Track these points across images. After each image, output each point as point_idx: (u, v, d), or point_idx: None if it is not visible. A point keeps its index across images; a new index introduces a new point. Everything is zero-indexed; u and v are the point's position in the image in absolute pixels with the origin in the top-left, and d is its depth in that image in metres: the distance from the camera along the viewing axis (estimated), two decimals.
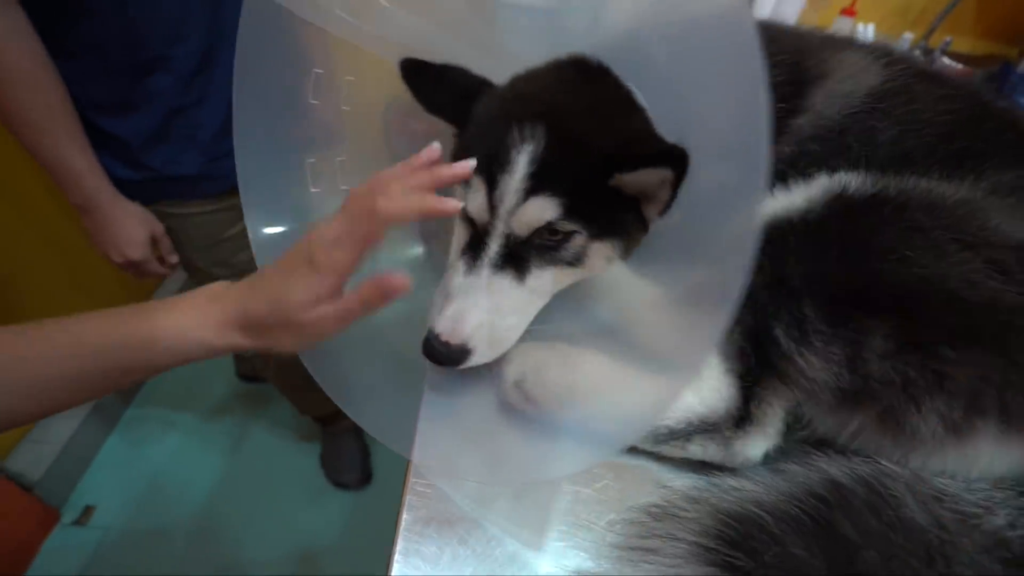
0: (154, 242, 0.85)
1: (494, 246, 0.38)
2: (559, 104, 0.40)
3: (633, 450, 0.39)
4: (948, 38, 1.37)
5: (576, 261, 0.40)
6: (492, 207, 0.38)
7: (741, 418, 0.37)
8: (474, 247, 0.39)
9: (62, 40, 0.66)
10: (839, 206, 0.38)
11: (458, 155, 0.42)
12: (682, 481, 0.37)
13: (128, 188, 0.79)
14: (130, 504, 1.34)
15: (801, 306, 0.35)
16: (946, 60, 1.37)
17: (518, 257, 0.39)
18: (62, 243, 1.28)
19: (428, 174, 0.35)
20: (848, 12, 1.34)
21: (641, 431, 0.34)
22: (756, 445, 0.37)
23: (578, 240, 0.39)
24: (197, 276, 1.00)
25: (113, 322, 0.36)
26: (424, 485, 0.36)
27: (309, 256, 0.33)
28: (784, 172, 0.45)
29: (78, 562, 1.22)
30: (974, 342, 0.32)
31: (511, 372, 0.39)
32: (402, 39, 0.46)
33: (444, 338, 0.37)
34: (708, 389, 0.38)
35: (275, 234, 0.49)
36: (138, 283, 1.56)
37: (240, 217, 0.47)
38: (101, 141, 0.74)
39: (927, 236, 0.35)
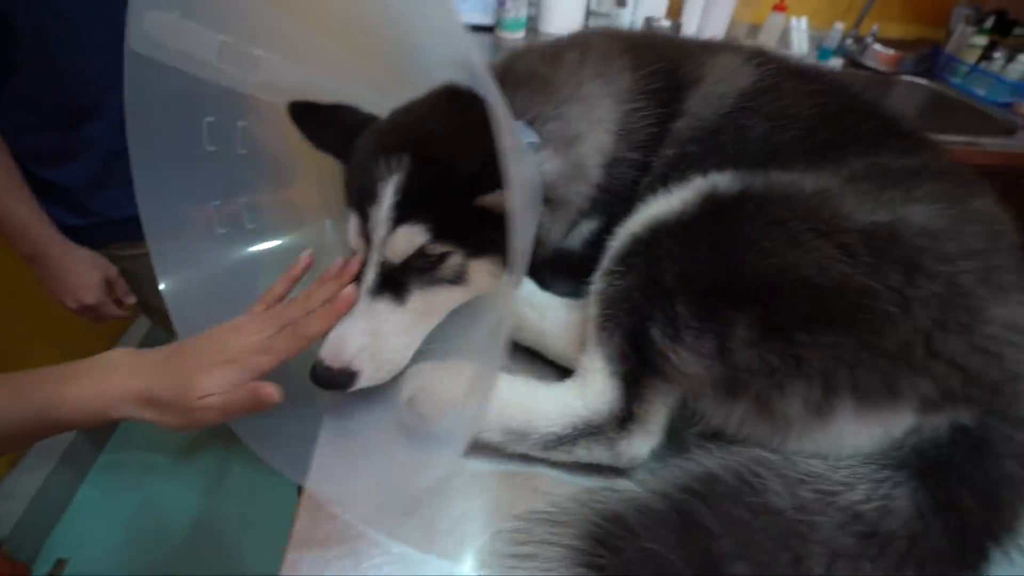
0: (109, 285, 0.85)
1: (371, 273, 0.40)
2: (425, 132, 0.42)
3: (525, 458, 0.39)
4: (876, 25, 1.41)
5: (458, 279, 0.41)
6: (367, 238, 0.40)
7: (624, 419, 0.38)
8: (360, 276, 0.41)
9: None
10: (710, 205, 0.39)
11: (345, 190, 0.44)
12: (569, 487, 0.38)
13: (77, 234, 0.80)
14: (105, 554, 1.31)
15: (674, 304, 0.36)
16: (877, 47, 1.41)
17: (397, 281, 0.41)
18: (24, 292, 1.28)
19: (338, 283, 0.40)
20: (779, 7, 1.38)
21: (470, 430, 0.35)
22: (640, 444, 0.38)
23: (454, 260, 0.40)
24: (155, 316, 1.00)
25: (19, 390, 0.38)
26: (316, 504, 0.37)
27: (232, 357, 0.36)
28: (666, 175, 0.47)
29: None
30: (826, 325, 0.33)
31: (404, 392, 0.40)
32: (291, 84, 0.48)
33: (326, 363, 0.38)
34: (592, 392, 0.39)
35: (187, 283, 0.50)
36: (100, 328, 1.56)
37: None
38: (45, 190, 0.75)
39: (784, 227, 0.36)
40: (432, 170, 0.39)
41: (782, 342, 0.34)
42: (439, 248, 0.40)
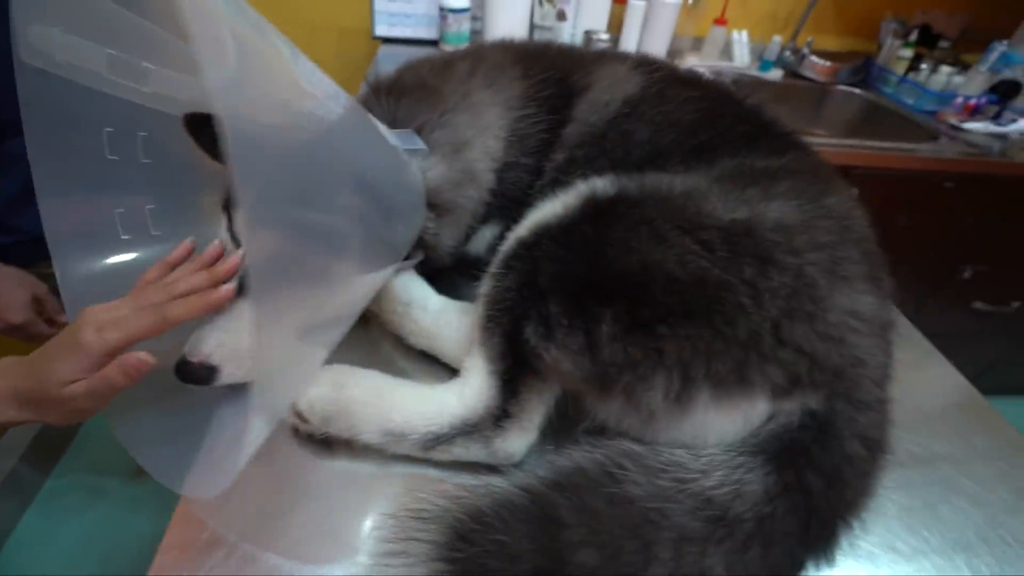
0: (39, 304, 0.83)
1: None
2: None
3: (408, 458, 0.40)
4: (810, 38, 1.47)
5: None
6: (234, 237, 0.41)
7: (499, 416, 0.39)
8: None
9: None
10: (588, 208, 0.41)
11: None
12: (446, 485, 0.38)
13: (5, 252, 0.78)
14: None
15: (547, 304, 0.37)
16: (814, 58, 1.47)
17: None
18: None
19: (211, 274, 0.39)
20: (720, 21, 1.43)
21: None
22: (516, 441, 0.39)
23: None
24: None
25: None
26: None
27: (76, 335, 0.34)
28: (556, 179, 0.49)
29: None
30: (685, 317, 0.35)
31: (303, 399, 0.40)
32: (188, 97, 0.48)
33: (186, 356, 0.38)
34: (470, 391, 0.39)
35: (88, 283, 0.49)
36: None
37: None
38: None
39: (651, 226, 0.37)
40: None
41: (645, 335, 0.35)
42: None
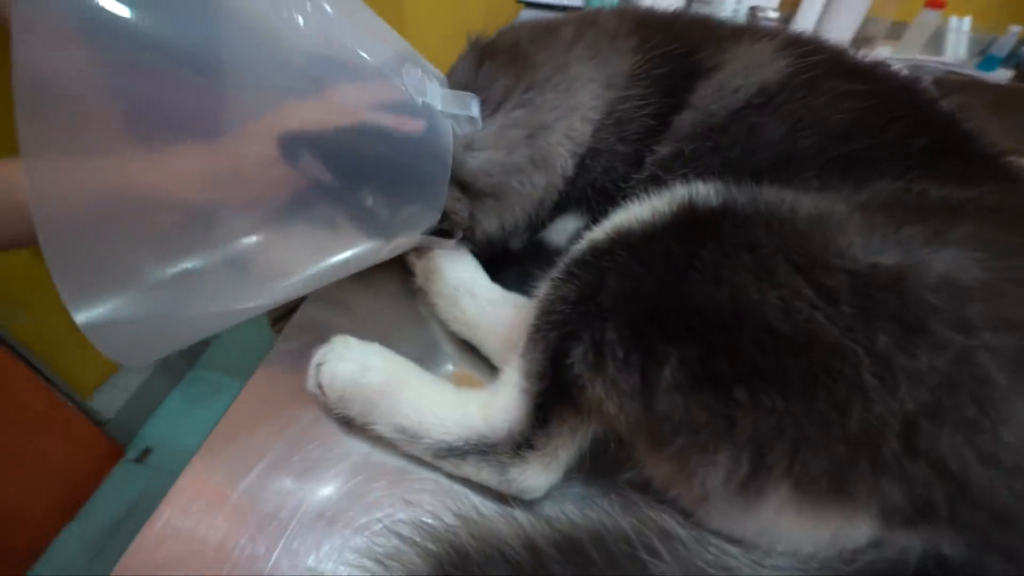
0: None
1: None
2: None
3: (420, 460, 0.36)
4: None
5: None
6: None
7: (520, 444, 0.33)
8: None
9: None
10: (681, 217, 0.33)
11: None
12: (451, 503, 0.34)
13: None
14: (180, 452, 1.52)
15: (604, 327, 0.31)
16: None
17: None
18: None
19: None
20: (935, 3, 1.15)
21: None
22: (534, 476, 0.33)
23: None
24: None
25: None
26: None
27: None
28: (657, 176, 0.40)
29: (134, 493, 1.42)
30: (776, 384, 0.26)
31: (320, 352, 0.39)
32: None
33: None
34: (496, 406, 0.35)
35: None
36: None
37: None
38: None
39: (756, 254, 0.29)
40: None
41: (716, 394, 0.27)
42: None
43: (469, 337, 0.44)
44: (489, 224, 0.46)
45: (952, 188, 0.32)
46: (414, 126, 0.38)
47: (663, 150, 0.42)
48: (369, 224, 0.39)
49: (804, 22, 1.10)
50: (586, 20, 0.47)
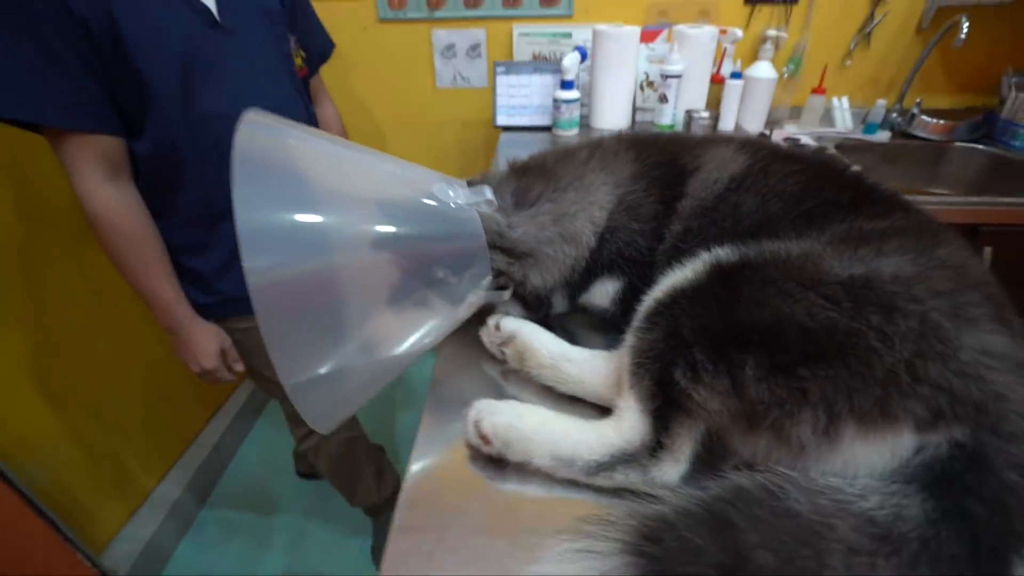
0: (224, 354, 1.03)
1: None
2: None
3: (573, 483, 0.47)
4: (919, 99, 1.47)
5: None
6: None
7: (654, 447, 0.45)
8: None
9: (159, 207, 0.89)
10: (715, 273, 0.48)
11: None
12: (614, 501, 0.45)
13: (203, 310, 0.98)
14: None
15: (692, 352, 0.44)
16: (925, 117, 1.46)
17: None
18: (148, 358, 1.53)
19: None
20: (818, 90, 1.48)
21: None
22: (670, 469, 0.45)
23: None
24: (258, 380, 1.17)
25: None
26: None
27: None
28: (677, 246, 0.57)
29: None
30: (822, 360, 0.39)
31: (472, 413, 0.50)
32: None
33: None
34: (626, 426, 0.46)
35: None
36: (212, 388, 1.79)
37: None
38: (183, 275, 0.95)
39: (777, 285, 0.43)
40: None
41: (786, 376, 0.40)
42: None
43: (577, 392, 0.56)
44: (534, 279, 0.61)
45: (876, 221, 0.50)
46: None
47: (676, 227, 0.59)
48: (445, 291, 0.55)
49: (728, 117, 1.39)
50: (595, 144, 0.67)
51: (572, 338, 0.60)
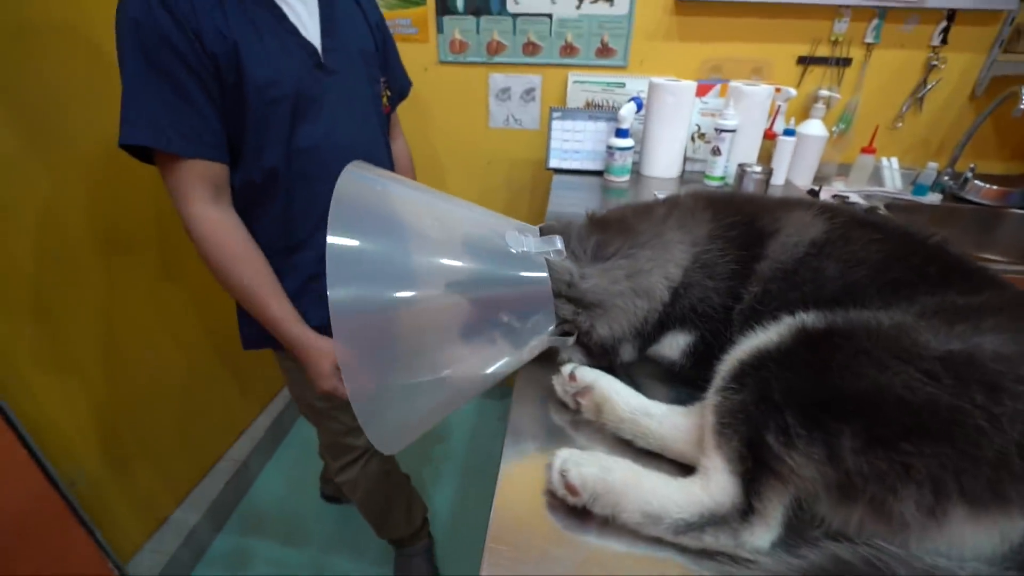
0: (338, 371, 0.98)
1: None
2: None
3: (658, 541, 0.46)
4: (972, 164, 1.47)
5: None
6: None
7: (745, 511, 0.44)
8: None
9: (248, 226, 0.91)
10: (802, 338, 0.48)
11: None
12: (705, 567, 0.44)
13: (269, 341, 0.97)
14: None
15: (784, 416, 0.44)
16: (978, 183, 1.46)
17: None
18: (183, 376, 1.56)
19: None
20: (868, 150, 1.49)
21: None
22: (762, 535, 0.44)
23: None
24: (308, 410, 1.17)
25: None
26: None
27: None
28: (755, 308, 0.58)
29: None
30: (927, 436, 0.39)
31: (557, 463, 0.50)
32: None
33: None
34: (715, 487, 0.46)
35: None
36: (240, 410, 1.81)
37: None
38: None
39: (871, 356, 0.43)
40: None
41: (888, 450, 0.40)
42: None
43: (657, 448, 0.56)
44: (601, 330, 0.62)
45: (968, 297, 0.50)
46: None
47: (754, 288, 0.60)
48: (510, 333, 0.58)
49: (779, 173, 1.41)
50: (671, 201, 0.69)
51: (637, 387, 0.61)
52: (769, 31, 1.47)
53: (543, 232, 0.65)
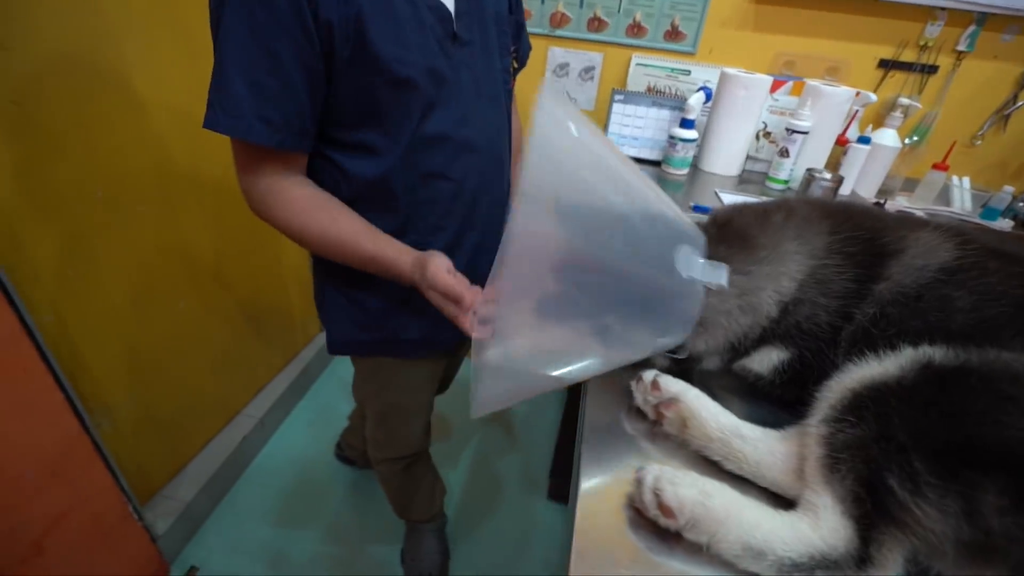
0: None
1: None
2: None
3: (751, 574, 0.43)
4: None
5: None
6: None
7: (861, 559, 0.41)
8: None
9: None
10: (929, 374, 0.44)
11: None
12: None
13: (358, 347, 0.91)
14: (229, 571, 1.43)
15: (911, 460, 0.40)
16: None
17: None
18: (210, 329, 1.55)
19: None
20: (940, 166, 1.42)
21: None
22: None
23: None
24: (371, 401, 1.11)
25: None
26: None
27: None
28: (868, 331, 0.53)
29: None
30: None
31: (650, 479, 0.47)
32: None
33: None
34: (827, 528, 0.43)
35: None
36: (261, 364, 1.80)
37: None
38: (345, 307, 0.86)
39: (1017, 403, 0.39)
40: None
41: None
42: None
43: (749, 474, 0.52)
44: (696, 345, 0.60)
45: None
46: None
47: (869, 310, 0.55)
48: (621, 335, 0.55)
49: (848, 179, 1.34)
50: (787, 206, 0.63)
51: (713, 399, 0.57)
52: (852, 28, 1.38)
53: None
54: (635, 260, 0.54)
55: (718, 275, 0.56)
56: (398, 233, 0.78)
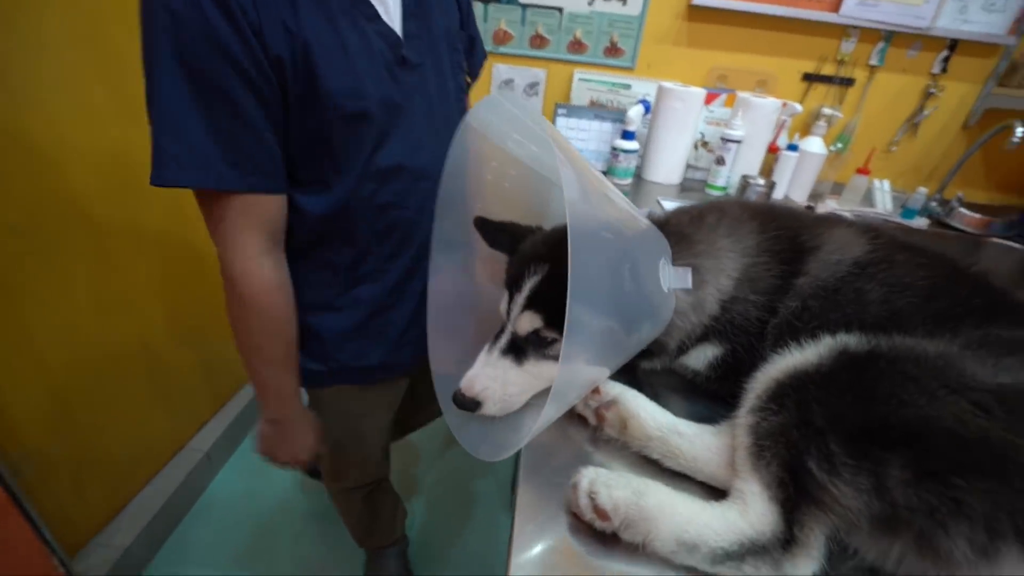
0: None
1: (504, 338, 0.55)
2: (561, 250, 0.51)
3: (692, 570, 0.44)
4: (960, 193, 1.50)
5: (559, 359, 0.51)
6: (508, 312, 0.55)
7: (787, 540, 0.42)
8: (496, 337, 0.56)
9: (302, 252, 0.75)
10: (844, 360, 0.46)
11: (508, 273, 0.60)
12: None
13: (313, 377, 0.85)
14: None
15: (828, 442, 0.42)
16: (963, 210, 1.50)
17: (519, 348, 0.55)
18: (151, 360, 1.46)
19: None
20: (863, 171, 1.51)
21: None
22: (804, 566, 0.42)
23: (558, 345, 0.52)
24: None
25: None
26: None
27: None
28: (792, 323, 0.56)
29: None
30: (977, 472, 0.38)
31: (584, 483, 0.47)
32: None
33: (462, 390, 0.54)
34: (755, 514, 0.44)
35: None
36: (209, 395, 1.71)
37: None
38: (302, 337, 0.80)
39: (918, 384, 0.42)
40: (559, 279, 0.43)
41: (939, 484, 0.38)
42: (549, 334, 0.54)
43: (687, 469, 0.52)
44: (652, 346, 0.60)
45: (1014, 331, 0.49)
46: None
47: (792, 304, 0.58)
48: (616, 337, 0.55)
49: (780, 184, 1.41)
50: (717, 208, 0.66)
51: (655, 399, 0.58)
52: (778, 45, 1.47)
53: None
54: (620, 283, 0.53)
55: (684, 280, 0.57)
56: (355, 264, 0.78)
